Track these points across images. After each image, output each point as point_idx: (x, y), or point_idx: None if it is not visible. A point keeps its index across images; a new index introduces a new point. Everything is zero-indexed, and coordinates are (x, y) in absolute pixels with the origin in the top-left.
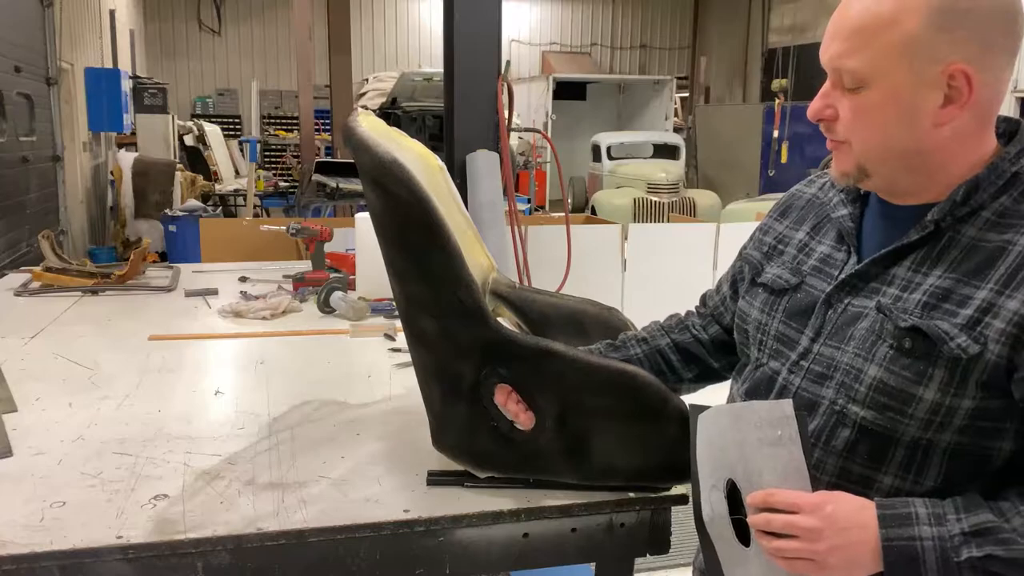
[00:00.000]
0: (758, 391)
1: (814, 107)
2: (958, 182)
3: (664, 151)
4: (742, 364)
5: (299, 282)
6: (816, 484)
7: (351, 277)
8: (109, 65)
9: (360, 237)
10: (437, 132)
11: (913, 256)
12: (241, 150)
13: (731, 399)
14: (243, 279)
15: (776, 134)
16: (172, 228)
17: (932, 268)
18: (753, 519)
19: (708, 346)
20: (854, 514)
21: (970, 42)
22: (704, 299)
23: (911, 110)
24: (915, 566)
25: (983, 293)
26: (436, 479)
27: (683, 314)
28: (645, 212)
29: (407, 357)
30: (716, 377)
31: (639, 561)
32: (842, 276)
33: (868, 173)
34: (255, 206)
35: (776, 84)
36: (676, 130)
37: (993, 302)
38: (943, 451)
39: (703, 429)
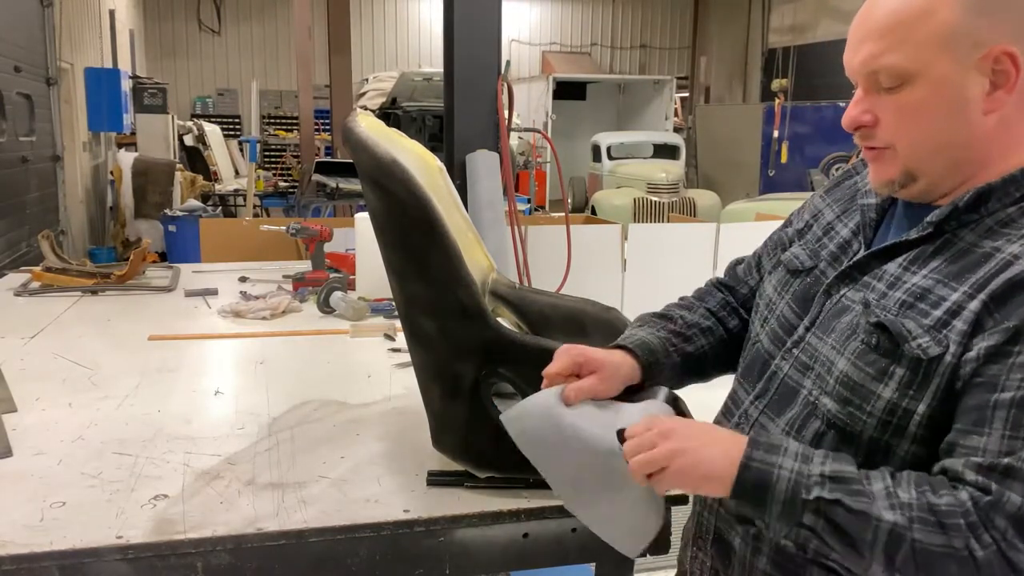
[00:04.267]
0: (751, 372)
1: (850, 115)
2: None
3: (664, 151)
4: (746, 339)
5: (299, 282)
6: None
7: (351, 277)
8: (109, 65)
9: (360, 237)
10: (437, 132)
11: (908, 254)
12: (241, 150)
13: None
14: (243, 279)
15: (776, 134)
16: (172, 228)
17: (921, 267)
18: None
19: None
20: (690, 426)
21: (1011, 22)
22: (731, 268)
23: (959, 100)
24: (763, 491)
25: (956, 296)
26: (436, 479)
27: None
28: (645, 212)
29: (407, 357)
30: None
31: (639, 561)
32: (843, 267)
33: (915, 176)
34: (255, 206)
35: (776, 84)
36: (676, 130)
37: (962, 305)
38: (901, 459)
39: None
